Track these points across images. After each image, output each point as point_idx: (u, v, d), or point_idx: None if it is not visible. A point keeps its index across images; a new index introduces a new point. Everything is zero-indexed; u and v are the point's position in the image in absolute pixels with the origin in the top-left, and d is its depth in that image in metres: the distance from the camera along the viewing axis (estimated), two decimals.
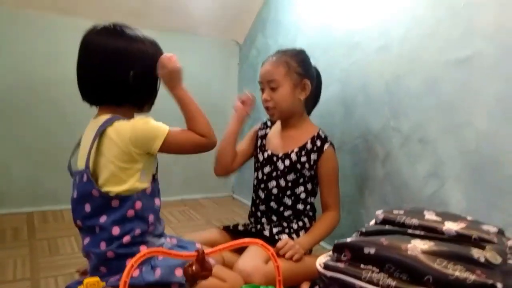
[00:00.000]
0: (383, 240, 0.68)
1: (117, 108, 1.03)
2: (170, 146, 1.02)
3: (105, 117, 1.00)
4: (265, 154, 1.44)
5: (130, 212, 0.98)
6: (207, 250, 0.78)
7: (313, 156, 1.37)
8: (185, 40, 2.29)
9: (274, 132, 1.49)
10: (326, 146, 1.37)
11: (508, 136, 1.07)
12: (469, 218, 0.81)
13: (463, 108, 1.18)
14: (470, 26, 1.16)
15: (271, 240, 1.28)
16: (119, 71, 0.99)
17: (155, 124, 1.02)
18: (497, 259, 0.61)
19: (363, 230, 0.77)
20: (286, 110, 1.38)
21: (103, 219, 0.97)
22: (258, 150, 1.48)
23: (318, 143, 1.38)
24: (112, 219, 0.96)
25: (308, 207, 1.42)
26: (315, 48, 1.80)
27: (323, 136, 1.40)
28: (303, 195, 1.39)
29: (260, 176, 1.45)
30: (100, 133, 0.98)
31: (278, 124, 1.49)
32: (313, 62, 1.77)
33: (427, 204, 1.28)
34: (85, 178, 0.97)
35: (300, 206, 1.39)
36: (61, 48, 1.94)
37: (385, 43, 1.43)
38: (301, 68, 1.37)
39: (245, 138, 1.55)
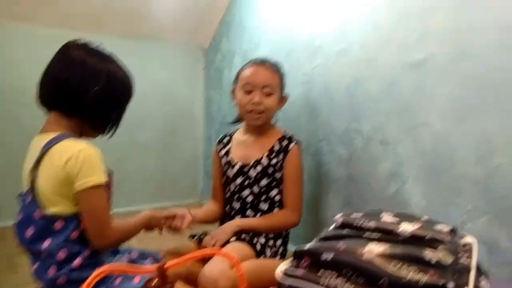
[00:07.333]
0: (341, 245, 0.69)
1: (66, 119, 0.99)
2: (88, 198, 0.93)
3: (51, 134, 0.95)
4: (235, 169, 1.42)
5: (75, 234, 0.93)
6: (168, 262, 0.77)
7: (281, 156, 1.38)
8: (149, 46, 2.26)
9: (238, 143, 1.48)
10: (292, 145, 1.39)
11: (460, 136, 1.11)
12: (424, 217, 0.83)
13: (419, 109, 1.22)
14: (424, 30, 1.20)
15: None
16: (84, 81, 0.97)
17: (100, 166, 0.96)
18: (448, 259, 0.63)
19: (322, 235, 0.77)
20: (270, 117, 1.42)
21: (47, 242, 0.91)
22: (226, 167, 1.46)
23: (285, 142, 1.40)
24: (56, 243, 0.91)
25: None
26: (278, 52, 1.81)
27: (288, 136, 1.42)
28: (277, 198, 1.39)
29: (232, 188, 1.43)
30: (44, 151, 0.93)
31: (238, 136, 1.49)
32: None
33: (389, 204, 1.31)
34: (28, 199, 0.93)
35: (277, 210, 1.39)
36: (19, 56, 1.87)
37: (345, 47, 1.46)
38: (284, 82, 1.45)
39: (214, 172, 1.53)
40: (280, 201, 1.39)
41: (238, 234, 1.30)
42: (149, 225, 1.22)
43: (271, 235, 1.35)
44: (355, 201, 1.45)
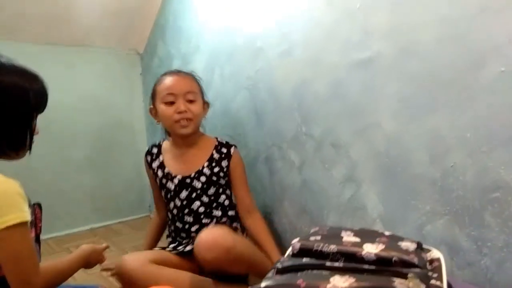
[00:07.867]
0: (300, 282, 0.60)
1: None
2: (9, 240, 0.80)
3: None
4: (175, 180, 1.39)
5: None
6: None
7: (224, 163, 1.39)
8: (76, 53, 2.06)
9: (171, 155, 1.44)
10: (232, 150, 1.41)
11: (413, 135, 1.06)
12: (387, 233, 0.76)
13: (369, 109, 1.16)
14: (366, 27, 1.14)
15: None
16: None
17: (21, 201, 0.82)
18: None
19: (279, 266, 0.68)
20: (199, 124, 1.39)
21: None
22: (163, 180, 1.41)
23: (224, 149, 1.41)
24: None
25: (235, 212, 1.42)
26: (219, 55, 1.70)
27: (225, 142, 1.43)
28: (227, 202, 1.41)
29: (178, 203, 1.39)
30: None
31: (167, 147, 1.46)
32: (219, 70, 1.69)
33: (346, 209, 1.26)
34: None
35: (231, 213, 1.41)
36: None
37: (288, 48, 1.38)
38: (202, 88, 1.43)
39: (151, 183, 1.51)
40: (230, 204, 1.42)
41: (218, 220, 1.36)
42: (89, 261, 1.08)
43: (237, 223, 1.41)
44: (311, 208, 1.38)
